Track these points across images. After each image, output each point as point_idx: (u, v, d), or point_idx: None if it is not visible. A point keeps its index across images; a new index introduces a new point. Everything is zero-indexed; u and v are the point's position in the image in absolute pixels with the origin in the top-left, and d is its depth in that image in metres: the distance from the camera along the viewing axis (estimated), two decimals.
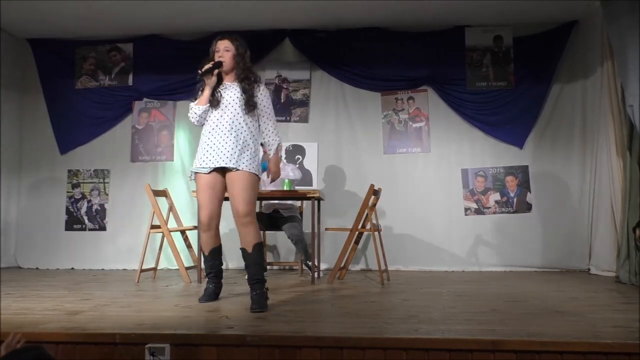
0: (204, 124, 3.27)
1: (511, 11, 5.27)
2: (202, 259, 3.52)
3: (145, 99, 5.97)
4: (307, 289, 4.04)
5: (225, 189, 3.24)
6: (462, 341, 2.25)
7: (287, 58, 5.88)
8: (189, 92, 5.87)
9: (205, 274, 3.47)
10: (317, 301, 3.49)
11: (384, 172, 5.62)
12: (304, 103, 5.82)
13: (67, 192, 5.94)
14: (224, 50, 3.26)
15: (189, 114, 3.31)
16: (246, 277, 3.20)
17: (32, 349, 1.64)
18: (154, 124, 5.95)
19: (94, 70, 6.02)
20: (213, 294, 3.39)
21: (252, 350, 2.29)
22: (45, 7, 5.12)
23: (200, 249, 3.36)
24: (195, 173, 3.25)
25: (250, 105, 3.20)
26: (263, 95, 3.29)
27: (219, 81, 3.27)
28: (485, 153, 5.59)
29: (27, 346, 1.68)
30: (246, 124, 3.20)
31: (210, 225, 3.26)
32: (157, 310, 3.08)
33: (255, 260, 3.15)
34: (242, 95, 3.21)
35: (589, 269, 5.15)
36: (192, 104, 3.28)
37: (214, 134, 3.19)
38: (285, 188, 4.52)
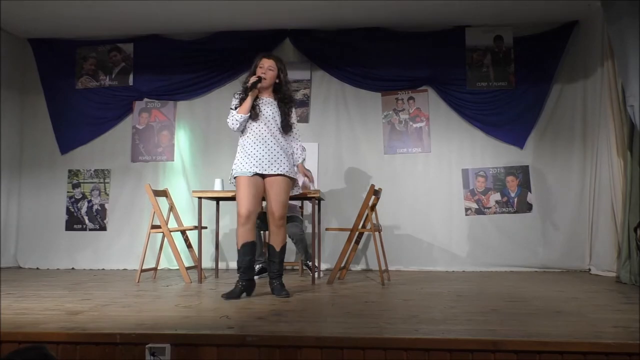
0: (242, 130, 3.62)
1: (512, 11, 5.27)
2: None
3: (145, 99, 5.98)
4: (307, 289, 4.04)
5: (264, 190, 3.61)
6: (462, 341, 2.24)
7: (287, 58, 5.84)
8: (190, 92, 5.91)
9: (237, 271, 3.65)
10: (317, 301, 3.49)
11: (385, 172, 5.62)
12: (305, 103, 5.82)
13: (68, 192, 5.95)
14: (268, 69, 3.59)
15: (228, 119, 3.60)
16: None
17: (34, 348, 1.64)
18: (154, 124, 5.95)
19: (94, 70, 6.02)
20: (239, 292, 3.53)
21: (253, 351, 2.29)
22: (46, 7, 5.12)
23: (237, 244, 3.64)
24: (236, 177, 3.60)
25: (286, 127, 3.63)
26: (294, 117, 3.72)
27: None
28: (485, 153, 5.59)
29: (29, 346, 1.68)
30: (283, 137, 3.63)
31: (248, 218, 3.51)
32: (158, 310, 3.08)
33: (281, 257, 3.62)
34: (279, 114, 3.60)
35: (589, 269, 5.15)
36: (233, 112, 3.59)
37: (259, 144, 3.55)
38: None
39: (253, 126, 3.57)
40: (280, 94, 3.63)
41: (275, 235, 3.58)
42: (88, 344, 2.36)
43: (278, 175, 3.53)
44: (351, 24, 5.59)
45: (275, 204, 3.54)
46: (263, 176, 3.56)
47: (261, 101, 3.60)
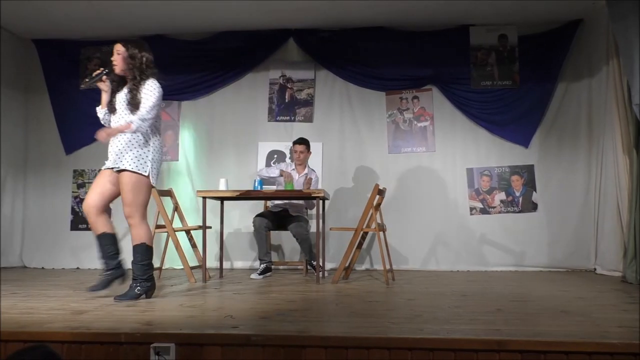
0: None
1: (516, 10, 5.25)
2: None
3: None
4: (311, 288, 4.04)
5: (113, 186, 3.39)
6: (467, 341, 2.24)
7: (291, 58, 5.88)
8: (194, 92, 5.91)
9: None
10: (322, 301, 3.49)
11: (389, 171, 5.61)
12: (309, 103, 5.82)
13: (73, 192, 5.97)
14: (116, 53, 3.42)
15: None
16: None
17: (39, 347, 1.64)
18: None
19: None
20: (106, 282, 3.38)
21: (257, 350, 2.29)
22: (50, 8, 5.14)
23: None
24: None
25: (132, 104, 3.31)
26: (147, 89, 3.35)
27: (123, 85, 3.43)
28: (490, 152, 5.58)
29: (33, 345, 1.68)
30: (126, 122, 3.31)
31: (89, 213, 3.36)
32: (162, 309, 3.08)
33: (137, 258, 3.37)
34: (127, 95, 3.35)
35: (594, 269, 5.13)
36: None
37: (113, 138, 3.35)
38: (287, 188, 4.54)
39: (112, 120, 3.43)
40: (130, 73, 3.37)
41: (131, 234, 3.40)
42: (93, 343, 2.37)
43: (122, 170, 3.30)
44: (355, 23, 5.59)
45: (123, 202, 3.35)
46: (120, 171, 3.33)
47: (120, 93, 3.43)
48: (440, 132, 5.66)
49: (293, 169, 5.06)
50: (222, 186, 4.61)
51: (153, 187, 3.47)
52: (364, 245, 4.86)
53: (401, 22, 5.59)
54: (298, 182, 4.93)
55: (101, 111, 3.49)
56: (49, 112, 6.01)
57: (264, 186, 4.73)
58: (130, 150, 3.31)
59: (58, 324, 2.59)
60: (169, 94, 5.93)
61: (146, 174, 3.33)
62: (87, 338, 2.38)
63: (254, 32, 5.75)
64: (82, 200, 5.94)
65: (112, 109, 3.43)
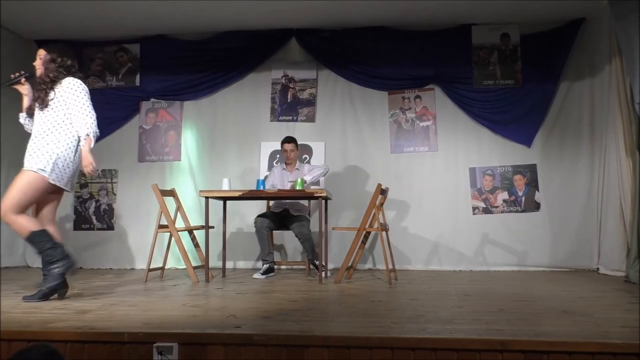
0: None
1: (518, 9, 5.24)
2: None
3: (152, 99, 6.00)
4: (314, 288, 4.04)
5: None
6: (469, 341, 2.24)
7: (293, 57, 5.89)
8: (196, 92, 5.93)
9: None
10: (324, 301, 3.49)
11: (391, 171, 5.61)
12: (311, 102, 5.82)
13: (76, 192, 5.97)
14: (38, 58, 3.43)
15: None
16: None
17: (41, 346, 1.65)
18: (161, 124, 5.98)
19: (101, 71, 6.05)
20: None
21: (260, 350, 2.29)
22: (52, 8, 5.15)
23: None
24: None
25: (39, 101, 3.31)
26: (70, 89, 3.32)
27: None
28: (493, 152, 5.57)
29: (36, 344, 1.69)
30: (50, 125, 3.31)
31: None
32: (165, 309, 3.09)
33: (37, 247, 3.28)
34: (36, 93, 3.35)
35: (597, 269, 5.12)
36: None
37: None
38: (297, 187, 4.54)
39: (35, 124, 3.39)
40: (45, 76, 3.36)
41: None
42: (96, 342, 2.37)
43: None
44: (357, 23, 5.59)
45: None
46: None
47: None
48: (443, 132, 5.66)
49: (284, 169, 5.07)
50: (224, 186, 4.62)
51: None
52: (367, 245, 4.86)
53: (403, 22, 5.59)
54: (291, 184, 4.91)
55: (22, 116, 3.48)
56: None
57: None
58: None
59: (61, 323, 2.60)
60: (172, 94, 5.97)
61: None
62: (90, 337, 2.39)
63: (256, 32, 5.76)
64: (85, 200, 5.97)
65: (32, 113, 3.41)
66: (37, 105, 3.35)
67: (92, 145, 3.30)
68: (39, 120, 3.34)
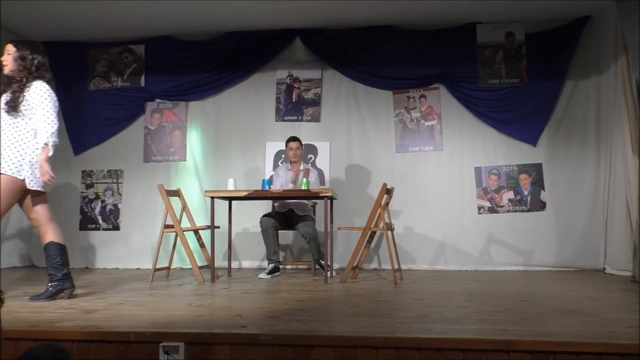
0: None
1: (523, 7, 5.22)
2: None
3: (157, 100, 6.02)
4: (320, 288, 4.04)
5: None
6: (475, 341, 2.23)
7: (298, 57, 5.89)
8: (201, 92, 5.94)
9: None
10: (330, 300, 3.49)
11: (397, 170, 5.61)
12: (316, 102, 5.82)
13: (81, 192, 6.01)
14: (6, 53, 3.34)
15: None
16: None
17: (50, 345, 1.66)
18: (166, 125, 5.99)
19: (106, 71, 6.08)
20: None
21: (266, 350, 2.30)
22: (57, 10, 5.17)
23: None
24: None
25: (10, 106, 3.23)
26: (37, 94, 3.27)
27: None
28: (498, 151, 5.55)
29: (44, 343, 1.70)
30: (15, 127, 3.25)
31: None
32: (171, 309, 3.10)
33: None
34: (7, 96, 3.26)
35: (604, 268, 5.09)
36: None
37: None
38: (303, 187, 4.56)
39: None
40: (18, 75, 3.30)
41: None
42: (102, 342, 2.39)
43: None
44: (361, 22, 5.58)
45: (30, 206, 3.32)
46: None
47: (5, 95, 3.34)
48: (448, 131, 5.64)
49: (289, 170, 5.07)
50: (230, 186, 4.63)
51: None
52: (372, 245, 4.86)
53: (407, 21, 5.58)
54: (297, 183, 4.93)
55: None
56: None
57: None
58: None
59: (68, 322, 2.61)
60: (177, 94, 5.99)
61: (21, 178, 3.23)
62: (96, 337, 2.40)
63: (260, 32, 5.77)
64: (90, 200, 6.00)
65: None
66: (5, 106, 3.25)
67: (49, 154, 3.24)
68: (8, 124, 3.25)
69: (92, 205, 5.99)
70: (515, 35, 5.58)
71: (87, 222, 5.97)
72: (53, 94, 3.34)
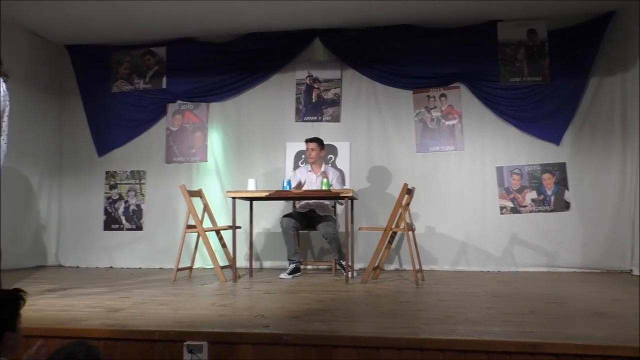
0: None
1: (545, 4, 5.13)
2: None
3: (178, 101, 6.09)
4: (341, 288, 4.04)
5: None
6: (500, 343, 2.21)
7: (317, 57, 5.90)
8: (221, 93, 5.99)
9: None
10: (351, 301, 3.49)
11: (417, 170, 5.57)
12: (336, 102, 5.82)
13: (105, 193, 6.11)
14: None
15: None
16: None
17: (82, 343, 1.70)
18: (187, 126, 6.05)
19: (129, 74, 6.16)
20: None
21: (288, 350, 2.30)
22: (80, 13, 5.26)
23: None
24: None
25: None
26: None
27: None
28: (520, 150, 5.47)
29: (75, 342, 1.73)
30: None
31: None
32: (194, 308, 3.13)
33: None
34: None
35: (631, 270, 4.98)
36: None
37: None
38: (323, 187, 4.56)
39: None
40: None
41: None
42: (128, 340, 2.42)
43: None
44: (381, 22, 5.56)
45: None
46: None
47: None
48: (469, 130, 5.59)
49: (310, 171, 5.06)
50: (251, 186, 4.65)
51: None
52: (393, 245, 4.84)
53: (427, 20, 5.54)
54: (317, 183, 4.92)
55: None
56: (82, 115, 6.17)
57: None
58: None
59: (94, 321, 2.66)
60: (198, 96, 6.05)
61: None
62: (122, 335, 2.44)
63: (280, 33, 5.79)
64: (114, 201, 6.09)
65: None
66: None
67: None
68: None
69: (116, 205, 6.08)
70: (538, 33, 5.49)
71: (110, 223, 6.06)
72: (5, 92, 3.14)
